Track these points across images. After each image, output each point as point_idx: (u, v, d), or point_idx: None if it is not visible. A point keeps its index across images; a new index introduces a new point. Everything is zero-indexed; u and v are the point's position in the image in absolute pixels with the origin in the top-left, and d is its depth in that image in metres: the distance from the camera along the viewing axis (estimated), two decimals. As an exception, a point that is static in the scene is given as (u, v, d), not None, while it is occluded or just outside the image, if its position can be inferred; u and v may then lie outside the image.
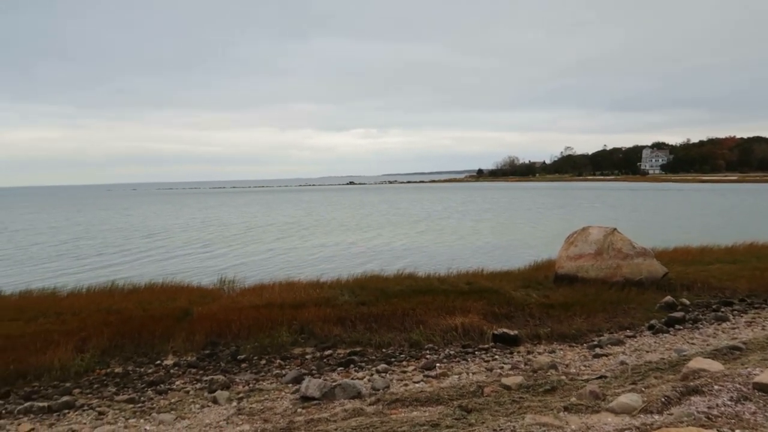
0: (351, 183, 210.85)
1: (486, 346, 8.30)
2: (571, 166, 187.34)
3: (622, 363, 6.94)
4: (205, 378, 7.11)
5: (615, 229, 12.72)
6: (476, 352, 8.02)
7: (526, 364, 7.30)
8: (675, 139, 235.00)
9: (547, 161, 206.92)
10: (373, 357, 7.93)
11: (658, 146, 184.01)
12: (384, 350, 8.25)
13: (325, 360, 7.87)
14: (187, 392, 6.69)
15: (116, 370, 7.66)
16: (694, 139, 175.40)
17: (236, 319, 9.41)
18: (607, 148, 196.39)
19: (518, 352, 8.04)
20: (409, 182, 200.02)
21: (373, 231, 34.35)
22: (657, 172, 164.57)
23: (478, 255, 21.55)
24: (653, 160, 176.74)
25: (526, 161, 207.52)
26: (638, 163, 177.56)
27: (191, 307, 10.78)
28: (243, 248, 27.61)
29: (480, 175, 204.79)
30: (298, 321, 9.29)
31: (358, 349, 8.30)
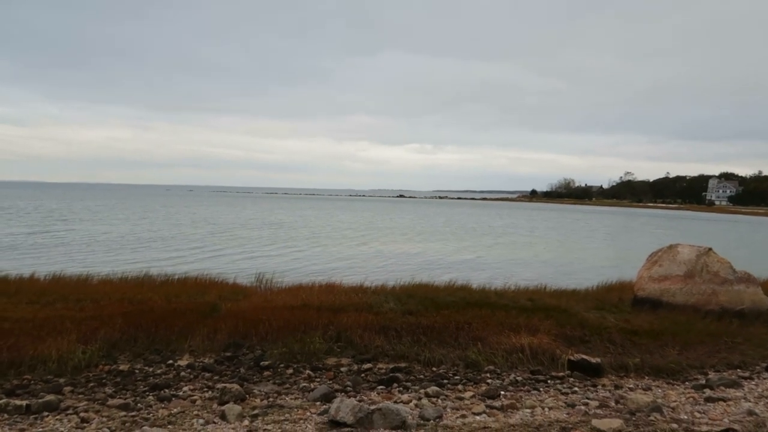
0: (401, 196, 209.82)
1: (561, 374, 6.75)
2: (629, 192, 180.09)
3: (751, 413, 5.28)
4: (218, 385, 5.89)
5: (710, 248, 10.87)
6: (549, 381, 6.49)
7: (618, 401, 5.72)
8: (744, 170, 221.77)
9: (605, 186, 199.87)
10: (422, 376, 6.54)
11: (727, 177, 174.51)
12: (434, 369, 6.83)
13: (363, 375, 6.52)
14: (194, 401, 5.48)
15: (121, 368, 6.56)
16: (767, 172, 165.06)
17: (265, 320, 8.21)
18: (670, 176, 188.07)
19: (603, 385, 6.45)
20: (459, 198, 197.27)
21: (426, 241, 32.95)
22: (724, 203, 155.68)
23: (538, 271, 19.76)
24: (720, 190, 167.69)
25: (583, 184, 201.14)
26: (703, 193, 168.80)
27: (220, 302, 9.72)
28: (291, 248, 26.80)
29: (533, 195, 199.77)
30: (335, 326, 8.01)
31: (403, 364, 6.92)
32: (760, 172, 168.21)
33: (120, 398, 5.50)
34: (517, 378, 6.51)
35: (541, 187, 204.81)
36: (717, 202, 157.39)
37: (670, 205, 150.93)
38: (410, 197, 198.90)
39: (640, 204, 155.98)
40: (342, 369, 6.72)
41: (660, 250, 11.46)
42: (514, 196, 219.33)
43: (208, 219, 49.12)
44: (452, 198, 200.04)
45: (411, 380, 6.33)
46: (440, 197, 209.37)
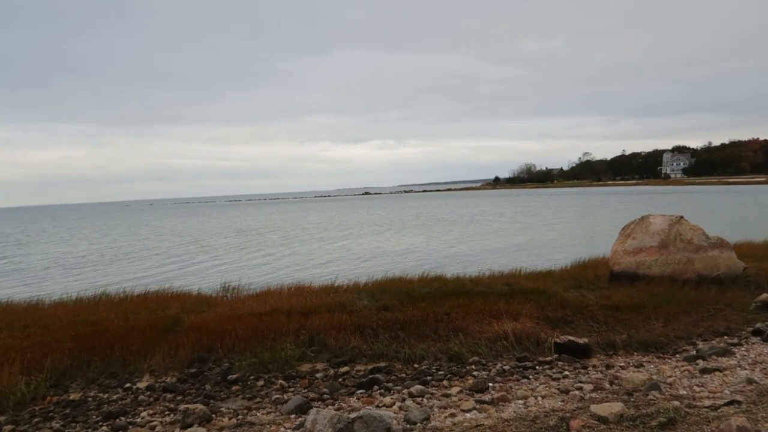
0: (366, 193, 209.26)
1: (548, 358, 6.42)
2: (589, 172, 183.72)
3: (751, 381, 5.03)
4: (181, 407, 5.32)
5: (682, 217, 10.77)
6: (537, 367, 6.15)
7: (612, 383, 5.41)
8: (696, 143, 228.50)
9: (565, 168, 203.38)
10: (403, 375, 6.10)
11: (679, 150, 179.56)
12: (416, 366, 6.41)
13: (340, 379, 6.05)
14: (153, 428, 4.92)
15: (72, 397, 5.92)
16: (716, 143, 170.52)
17: (232, 329, 7.66)
18: (627, 153, 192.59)
19: (593, 366, 6.14)
20: (424, 191, 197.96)
21: (403, 236, 32.49)
22: (678, 175, 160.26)
23: (510, 256, 19.60)
24: (674, 164, 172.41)
25: (543, 168, 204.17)
26: (659, 168, 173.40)
27: (182, 315, 9.08)
28: (263, 254, 25.97)
29: (497, 182, 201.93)
30: (307, 330, 7.51)
31: (382, 364, 6.48)
32: (710, 143, 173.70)
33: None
34: (504, 367, 6.14)
35: (504, 174, 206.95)
36: (672, 175, 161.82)
37: (629, 182, 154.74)
38: (375, 194, 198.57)
39: (600, 183, 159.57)
40: (317, 375, 6.24)
41: (632, 222, 11.32)
42: (478, 184, 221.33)
43: (174, 231, 47.53)
44: (417, 191, 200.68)
45: (392, 380, 5.89)
46: (405, 191, 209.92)
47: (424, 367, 6.31)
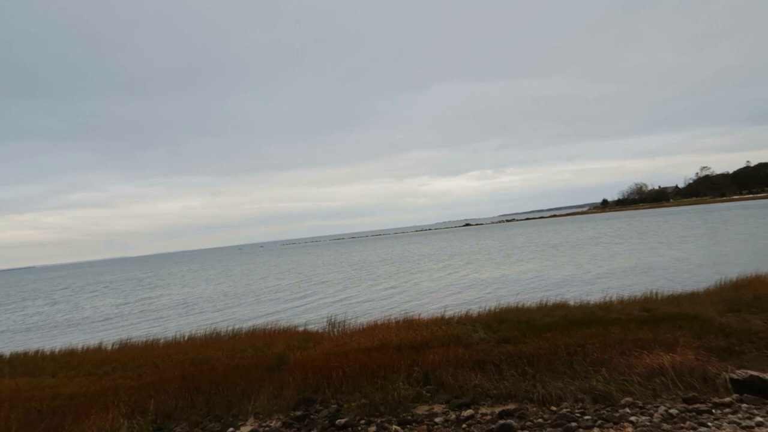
0: (467, 224, 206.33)
1: (726, 399, 5.10)
2: (709, 188, 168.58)
3: None
4: (285, 457, 4.68)
5: None
6: (714, 410, 4.87)
7: (835, 433, 4.05)
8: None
9: (681, 185, 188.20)
10: (540, 419, 5.07)
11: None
12: (553, 408, 5.34)
13: (464, 425, 5.14)
14: (254, 483, 4.29)
15: (174, 442, 5.51)
16: None
17: (338, 367, 7.03)
18: (752, 165, 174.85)
19: (794, 409, 4.75)
20: (527, 219, 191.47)
21: (520, 261, 30.86)
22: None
23: (638, 279, 17.56)
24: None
25: (656, 187, 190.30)
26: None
27: (288, 353, 8.64)
28: (379, 286, 25.50)
29: (605, 205, 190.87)
30: (420, 366, 6.70)
31: (511, 406, 5.48)
32: None
33: (165, 486, 4.39)
34: (670, 411, 4.91)
35: (611, 196, 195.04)
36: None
37: (758, 195, 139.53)
38: (477, 224, 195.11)
39: (724, 198, 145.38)
40: (436, 419, 5.36)
41: (798, 231, 9.45)
42: (584, 209, 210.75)
43: (290, 269, 48.87)
44: (519, 219, 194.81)
45: (528, 427, 4.89)
46: (507, 220, 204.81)
47: (564, 410, 5.23)
